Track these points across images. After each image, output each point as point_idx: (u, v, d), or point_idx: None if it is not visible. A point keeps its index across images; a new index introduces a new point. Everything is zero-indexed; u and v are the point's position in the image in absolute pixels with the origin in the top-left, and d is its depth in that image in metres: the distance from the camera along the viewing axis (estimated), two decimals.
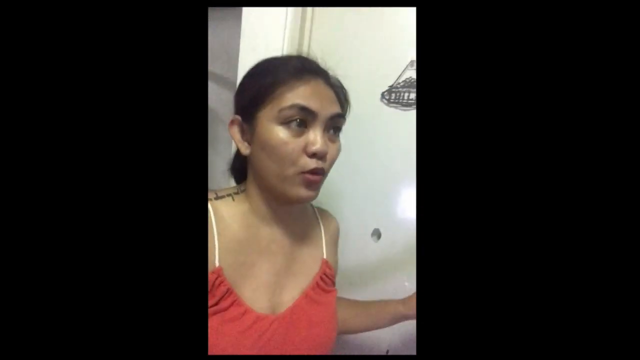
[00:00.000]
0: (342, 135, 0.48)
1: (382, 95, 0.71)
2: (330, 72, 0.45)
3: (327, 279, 0.48)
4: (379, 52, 0.71)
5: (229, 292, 0.38)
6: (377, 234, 0.75)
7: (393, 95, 0.70)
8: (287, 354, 0.41)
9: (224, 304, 0.37)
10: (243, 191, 0.46)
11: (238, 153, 0.46)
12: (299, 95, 0.39)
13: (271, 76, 0.40)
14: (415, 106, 0.67)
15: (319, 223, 0.53)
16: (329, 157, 0.41)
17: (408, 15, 0.67)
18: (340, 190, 0.81)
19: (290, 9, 0.72)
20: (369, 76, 0.73)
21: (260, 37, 0.74)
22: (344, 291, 0.65)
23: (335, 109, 0.42)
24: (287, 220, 0.46)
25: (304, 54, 0.45)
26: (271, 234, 0.44)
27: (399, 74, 0.68)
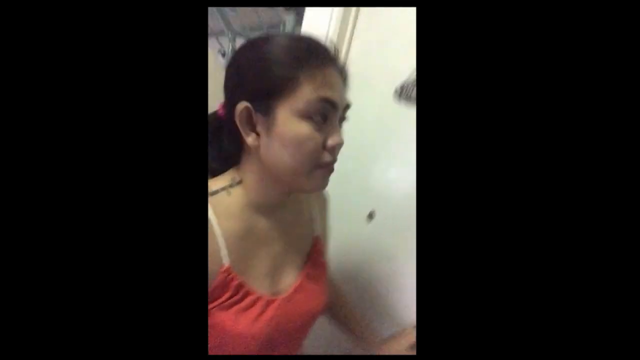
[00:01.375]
0: (358, 124, 0.54)
1: (395, 90, 0.76)
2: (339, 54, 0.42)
3: (320, 253, 0.51)
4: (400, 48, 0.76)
5: (241, 285, 0.40)
6: (370, 216, 0.82)
7: (403, 91, 0.75)
8: (293, 329, 0.45)
9: (237, 296, 0.40)
10: (238, 183, 0.43)
11: (229, 141, 0.43)
12: (322, 86, 0.36)
13: (288, 64, 0.36)
14: None
15: (308, 201, 0.54)
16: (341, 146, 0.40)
17: None
18: (344, 172, 0.88)
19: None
20: (388, 72, 0.78)
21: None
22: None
23: (347, 99, 0.41)
24: (282, 206, 0.47)
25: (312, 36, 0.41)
26: (268, 223, 0.45)
27: (410, 72, 0.73)
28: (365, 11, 0.83)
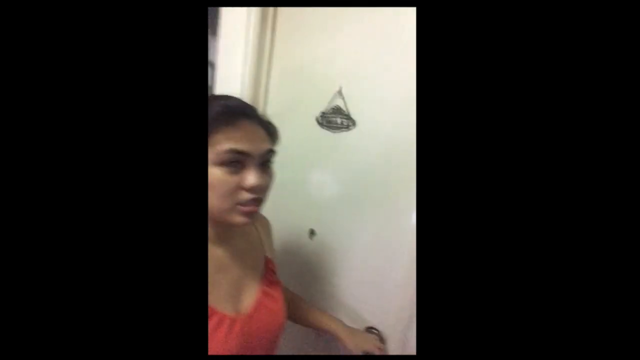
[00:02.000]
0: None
1: (317, 119, 0.84)
2: (257, 109, 0.49)
3: (272, 273, 0.58)
4: (315, 82, 0.84)
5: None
6: (312, 233, 0.88)
7: (325, 119, 0.83)
8: (262, 343, 0.50)
9: (210, 322, 0.44)
10: None
11: None
12: (231, 139, 0.42)
13: (208, 123, 0.42)
14: (341, 129, 0.81)
15: (255, 227, 0.61)
16: (266, 186, 0.47)
17: (339, 46, 0.80)
18: (282, 197, 0.93)
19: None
20: (307, 102, 0.85)
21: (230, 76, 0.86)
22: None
23: (266, 145, 0.47)
24: (233, 235, 0.52)
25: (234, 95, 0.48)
26: (223, 252, 0.50)
27: (329, 102, 0.82)
28: (282, 37, 0.90)
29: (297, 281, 0.92)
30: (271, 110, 0.92)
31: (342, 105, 0.80)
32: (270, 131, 0.50)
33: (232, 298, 0.48)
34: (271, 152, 0.49)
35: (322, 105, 0.83)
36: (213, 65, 0.99)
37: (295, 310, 0.71)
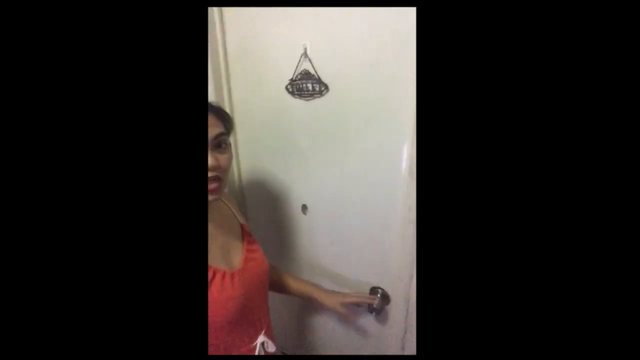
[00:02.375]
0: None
1: (286, 88, 0.76)
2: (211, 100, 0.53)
3: (249, 234, 0.68)
4: (279, 46, 0.74)
5: (209, 267, 0.54)
6: (305, 208, 0.86)
7: (294, 87, 0.75)
8: (256, 289, 0.61)
9: (210, 275, 0.54)
10: None
11: None
12: None
13: None
14: (314, 96, 0.74)
15: (224, 202, 0.69)
16: (222, 165, 0.53)
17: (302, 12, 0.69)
18: (272, 173, 0.89)
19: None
20: (275, 71, 0.76)
21: None
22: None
23: (216, 130, 0.52)
24: (212, 211, 0.61)
25: None
26: (214, 225, 0.60)
27: (296, 67, 0.73)
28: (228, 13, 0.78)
29: (295, 255, 0.93)
30: (236, 90, 0.84)
31: (310, 68, 0.72)
32: (220, 116, 0.55)
33: (225, 259, 0.58)
34: (223, 135, 0.54)
35: (289, 70, 0.74)
36: None
37: (277, 280, 0.81)
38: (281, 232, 0.93)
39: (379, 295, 0.82)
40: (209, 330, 0.53)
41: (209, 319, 0.52)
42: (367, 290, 0.84)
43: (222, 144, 0.54)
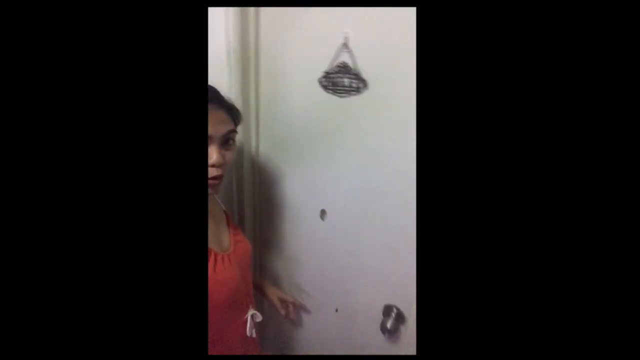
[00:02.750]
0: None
1: (320, 82, 0.69)
2: (219, 92, 0.55)
3: (231, 220, 0.72)
4: (316, 34, 0.67)
5: (209, 252, 0.57)
6: (324, 213, 0.80)
7: (329, 82, 0.68)
8: (247, 266, 0.67)
9: (211, 260, 0.57)
10: None
11: None
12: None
13: None
14: (350, 93, 0.66)
15: (213, 196, 0.71)
16: (228, 162, 0.55)
17: None
18: (288, 175, 0.82)
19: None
20: (307, 61, 0.69)
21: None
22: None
23: (227, 127, 0.54)
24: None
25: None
26: None
27: (332, 59, 0.66)
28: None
29: (308, 263, 0.87)
30: (264, 74, 0.76)
31: (349, 61, 0.64)
32: (232, 113, 0.56)
33: (217, 243, 0.62)
34: (232, 132, 0.56)
35: (325, 62, 0.67)
36: None
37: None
38: (295, 237, 0.87)
39: (393, 314, 0.76)
40: (212, 309, 0.55)
41: (215, 298, 0.55)
42: (380, 308, 0.77)
43: (230, 140, 0.55)
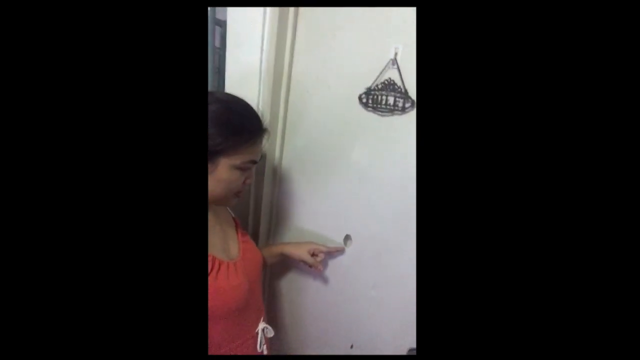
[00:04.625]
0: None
1: (360, 98, 0.63)
2: (266, 124, 0.57)
3: (240, 227, 0.69)
4: (360, 48, 0.62)
5: (213, 258, 0.55)
6: (348, 239, 0.73)
7: (370, 99, 0.62)
8: (254, 278, 0.63)
9: (210, 265, 0.54)
10: None
11: None
12: (255, 153, 0.55)
13: (239, 137, 0.52)
14: (394, 112, 0.61)
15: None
16: (250, 182, 0.60)
17: (393, 8, 0.57)
18: (316, 192, 0.76)
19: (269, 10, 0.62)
20: (349, 76, 0.64)
21: (243, 35, 0.66)
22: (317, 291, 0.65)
23: (261, 153, 0.58)
24: (215, 209, 0.64)
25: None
26: (211, 219, 0.61)
27: (378, 74, 0.60)
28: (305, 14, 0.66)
29: (325, 296, 0.79)
30: (296, 86, 0.71)
31: (397, 78, 0.59)
32: (266, 138, 0.59)
33: (225, 249, 0.60)
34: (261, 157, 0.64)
35: (367, 77, 0.62)
36: (223, 24, 0.78)
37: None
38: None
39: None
40: (217, 319, 0.54)
41: (219, 307, 0.53)
42: (404, 351, 0.70)
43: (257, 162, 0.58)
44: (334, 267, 0.76)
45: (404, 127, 0.60)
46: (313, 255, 0.72)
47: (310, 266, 0.72)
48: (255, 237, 0.80)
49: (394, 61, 0.58)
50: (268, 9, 0.62)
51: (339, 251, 0.74)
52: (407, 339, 0.70)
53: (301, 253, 0.72)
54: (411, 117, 0.59)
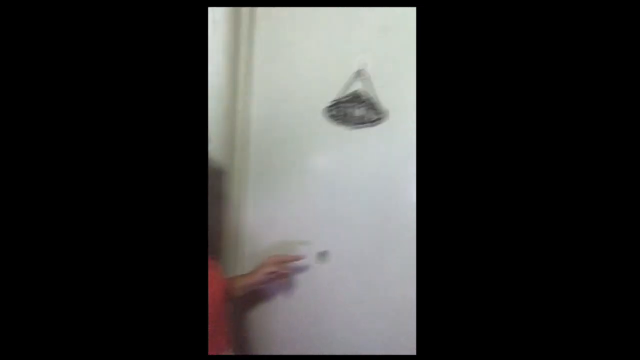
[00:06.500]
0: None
1: (327, 110, 0.62)
2: None
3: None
4: (324, 59, 0.61)
5: None
6: (324, 255, 0.70)
7: (339, 111, 0.62)
8: (219, 304, 0.58)
9: None
10: None
11: None
12: None
13: None
14: (363, 125, 0.61)
15: None
16: None
17: (359, 15, 0.57)
18: (287, 208, 0.72)
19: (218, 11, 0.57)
20: (312, 88, 0.62)
21: None
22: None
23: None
24: None
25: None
26: None
27: (344, 85, 0.60)
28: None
29: (308, 312, 0.75)
30: (257, 102, 0.67)
31: (363, 90, 0.59)
32: None
33: None
34: None
35: (333, 89, 0.61)
36: None
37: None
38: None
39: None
40: None
41: None
42: None
43: None
44: (312, 284, 0.73)
45: (376, 139, 0.61)
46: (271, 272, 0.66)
47: (277, 276, 0.67)
48: (218, 255, 0.73)
49: (361, 72, 0.59)
50: (217, 15, 0.57)
51: (297, 259, 0.69)
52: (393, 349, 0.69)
53: (258, 271, 0.66)
54: (380, 129, 0.60)
